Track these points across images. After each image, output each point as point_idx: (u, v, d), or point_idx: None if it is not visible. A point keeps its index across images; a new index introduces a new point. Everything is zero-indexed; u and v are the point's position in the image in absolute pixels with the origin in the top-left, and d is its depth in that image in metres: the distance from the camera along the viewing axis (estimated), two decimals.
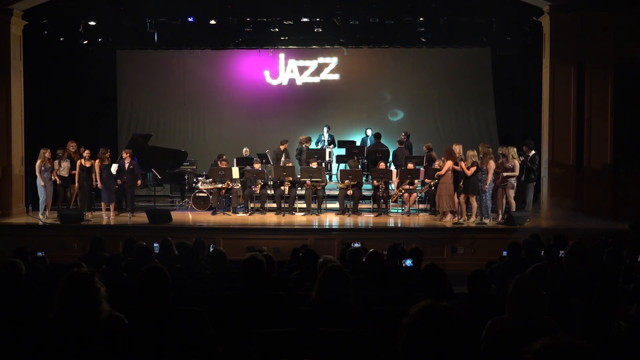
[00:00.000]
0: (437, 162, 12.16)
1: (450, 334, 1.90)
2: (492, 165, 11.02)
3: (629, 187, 11.93)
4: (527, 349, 1.83)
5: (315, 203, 12.69)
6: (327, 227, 11.52)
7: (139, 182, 12.50)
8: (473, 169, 10.89)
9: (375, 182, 12.32)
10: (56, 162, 12.12)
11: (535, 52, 13.11)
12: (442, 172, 11.25)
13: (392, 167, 13.56)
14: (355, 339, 3.85)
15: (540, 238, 7.73)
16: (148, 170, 13.39)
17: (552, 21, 12.00)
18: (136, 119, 16.95)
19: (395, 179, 12.50)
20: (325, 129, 15.41)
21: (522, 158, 11.68)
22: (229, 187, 12.65)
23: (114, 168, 12.14)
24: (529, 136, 12.89)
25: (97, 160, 11.99)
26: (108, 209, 12.14)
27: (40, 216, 11.82)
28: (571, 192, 11.87)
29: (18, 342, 3.57)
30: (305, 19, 13.83)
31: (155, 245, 7.82)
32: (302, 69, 16.73)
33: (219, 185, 12.56)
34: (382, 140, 14.73)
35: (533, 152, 11.97)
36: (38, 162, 11.83)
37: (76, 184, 12.07)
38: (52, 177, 12.01)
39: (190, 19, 13.75)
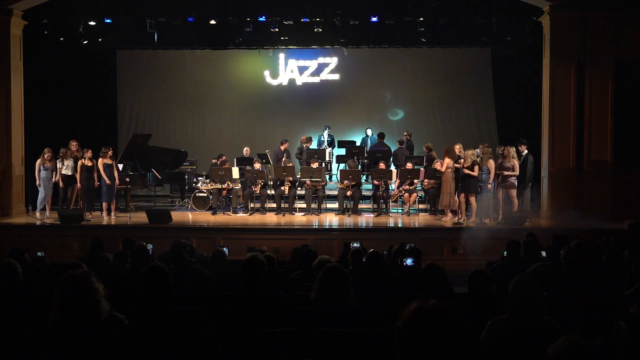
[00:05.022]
0: (437, 163, 12.14)
1: (444, 332, 1.88)
2: (492, 164, 11.04)
3: (629, 187, 11.92)
4: (547, 349, 1.80)
5: (315, 203, 12.69)
6: (327, 227, 11.51)
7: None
8: (476, 168, 10.90)
9: (375, 181, 12.30)
10: (59, 161, 12.08)
11: (535, 52, 13.10)
12: (442, 168, 11.23)
13: (392, 167, 13.55)
14: (355, 339, 3.85)
15: (536, 237, 7.71)
16: (148, 170, 13.38)
17: (552, 21, 12.00)
18: (136, 119, 16.94)
19: (395, 179, 12.49)
20: (325, 130, 15.40)
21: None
22: (229, 187, 12.65)
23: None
24: (528, 136, 12.87)
25: (100, 159, 11.96)
26: (108, 209, 12.14)
27: (38, 214, 11.81)
28: (571, 192, 11.87)
29: (17, 343, 3.56)
30: (305, 19, 13.82)
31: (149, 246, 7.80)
32: (302, 69, 16.71)
33: (219, 186, 12.56)
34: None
35: (526, 151, 11.96)
36: (38, 161, 11.85)
37: (78, 184, 12.07)
38: (53, 177, 11.99)
39: (190, 19, 13.75)
